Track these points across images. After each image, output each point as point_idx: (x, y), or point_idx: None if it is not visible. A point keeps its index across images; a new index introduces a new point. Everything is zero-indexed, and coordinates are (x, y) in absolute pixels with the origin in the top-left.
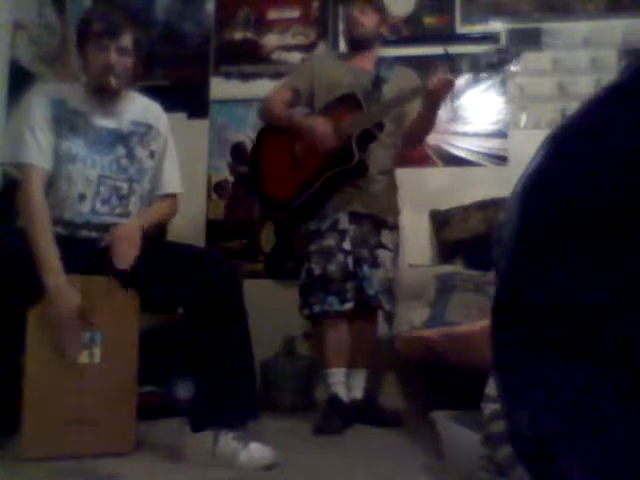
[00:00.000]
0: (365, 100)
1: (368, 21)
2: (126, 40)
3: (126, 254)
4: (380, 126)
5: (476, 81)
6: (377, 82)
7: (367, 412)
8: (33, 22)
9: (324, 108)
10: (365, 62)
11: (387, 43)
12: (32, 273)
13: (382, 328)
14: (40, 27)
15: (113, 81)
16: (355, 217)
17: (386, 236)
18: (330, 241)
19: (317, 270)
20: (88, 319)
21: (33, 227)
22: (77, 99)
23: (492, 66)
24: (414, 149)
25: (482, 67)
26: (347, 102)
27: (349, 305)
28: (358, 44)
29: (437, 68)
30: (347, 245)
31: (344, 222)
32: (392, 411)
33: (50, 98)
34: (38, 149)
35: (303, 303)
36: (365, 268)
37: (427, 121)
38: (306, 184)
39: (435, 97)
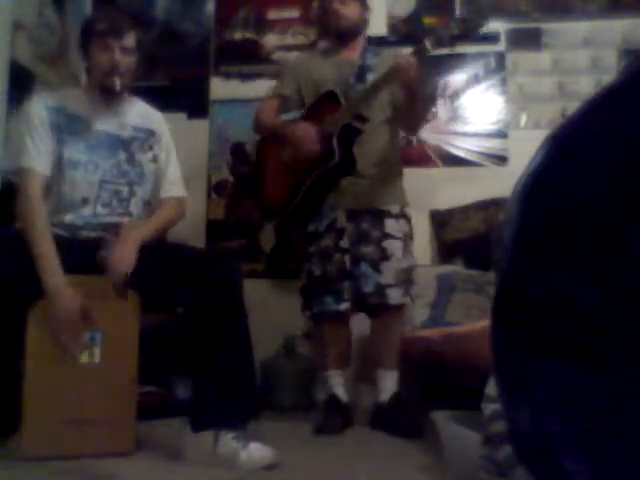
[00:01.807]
0: (346, 94)
1: (350, 11)
2: (130, 40)
3: (120, 271)
4: (361, 118)
5: (476, 80)
6: (361, 73)
7: (390, 419)
8: (33, 22)
9: (307, 110)
10: (351, 53)
11: (387, 43)
12: (32, 274)
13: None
14: (40, 27)
15: (117, 82)
16: (352, 214)
17: (392, 226)
18: (328, 241)
19: (317, 271)
20: (90, 319)
21: (32, 230)
22: (77, 104)
23: (456, 38)
24: (414, 134)
25: (446, 41)
26: (327, 100)
27: (345, 305)
28: (344, 36)
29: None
30: (345, 243)
31: (341, 220)
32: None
33: (50, 105)
34: (37, 154)
35: (304, 305)
36: (362, 266)
37: (409, 106)
38: (295, 190)
39: (403, 79)
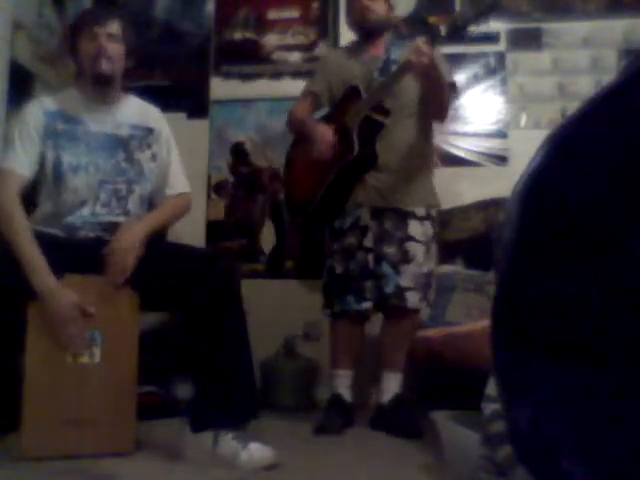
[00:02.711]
0: (368, 89)
1: (379, 7)
2: (114, 27)
3: (122, 269)
4: (382, 110)
5: (476, 80)
6: (386, 67)
7: (390, 420)
8: (33, 22)
9: (333, 107)
10: (377, 50)
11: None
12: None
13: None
14: (40, 27)
15: (105, 65)
16: (377, 212)
17: (415, 228)
18: (351, 239)
19: (338, 269)
20: (87, 314)
21: (12, 235)
22: (74, 106)
23: (469, 20)
24: (442, 121)
25: (461, 26)
26: (352, 96)
27: (367, 304)
28: (370, 32)
29: (418, 40)
30: (368, 242)
31: (365, 218)
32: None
33: (49, 111)
34: (21, 155)
35: (325, 303)
36: (384, 266)
37: (430, 92)
38: (319, 185)
39: (418, 69)
